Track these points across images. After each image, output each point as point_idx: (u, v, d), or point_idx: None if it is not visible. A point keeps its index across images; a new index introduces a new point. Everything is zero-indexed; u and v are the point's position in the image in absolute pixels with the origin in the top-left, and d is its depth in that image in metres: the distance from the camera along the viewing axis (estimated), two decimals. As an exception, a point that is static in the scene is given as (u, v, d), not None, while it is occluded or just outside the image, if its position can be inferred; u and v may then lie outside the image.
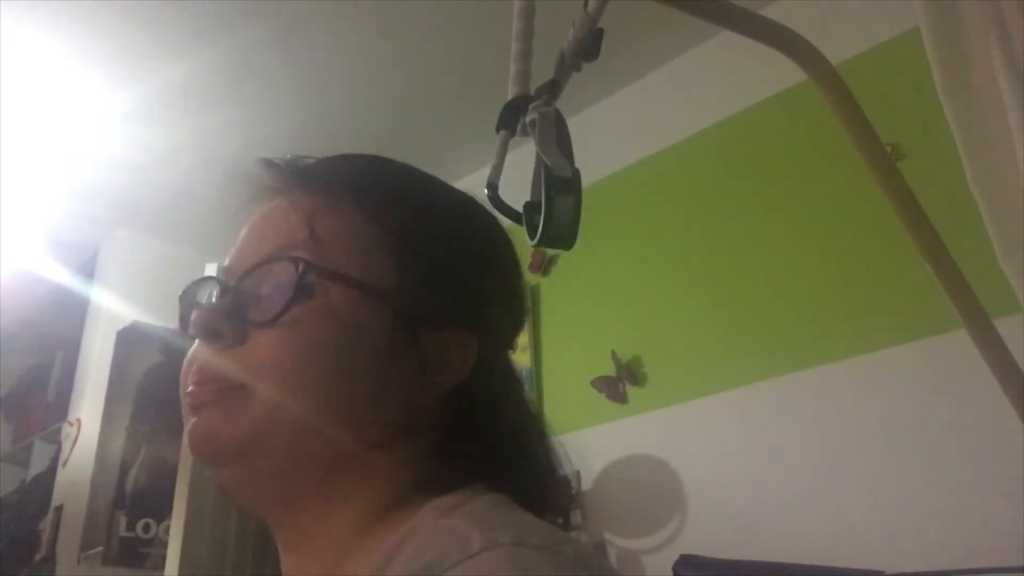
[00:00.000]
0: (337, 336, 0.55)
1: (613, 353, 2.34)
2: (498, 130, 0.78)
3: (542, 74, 0.80)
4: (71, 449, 3.06)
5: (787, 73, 1.42)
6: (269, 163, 0.62)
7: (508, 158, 0.78)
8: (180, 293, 0.62)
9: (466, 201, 0.66)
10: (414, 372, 0.57)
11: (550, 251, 2.60)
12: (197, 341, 0.58)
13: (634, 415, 2.29)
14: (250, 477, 0.56)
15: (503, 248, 0.65)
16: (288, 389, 0.53)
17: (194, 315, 0.57)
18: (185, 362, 0.58)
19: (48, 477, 3.21)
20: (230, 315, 0.56)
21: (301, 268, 0.55)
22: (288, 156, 0.63)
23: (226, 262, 0.61)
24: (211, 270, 0.66)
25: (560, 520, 0.62)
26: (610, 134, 2.59)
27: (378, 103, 2.68)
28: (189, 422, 0.56)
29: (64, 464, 3.09)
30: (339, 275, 0.56)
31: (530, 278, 2.69)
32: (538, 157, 0.74)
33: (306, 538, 0.56)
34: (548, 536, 0.47)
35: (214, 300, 0.59)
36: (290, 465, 0.55)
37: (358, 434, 0.55)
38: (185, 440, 0.56)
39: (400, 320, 0.57)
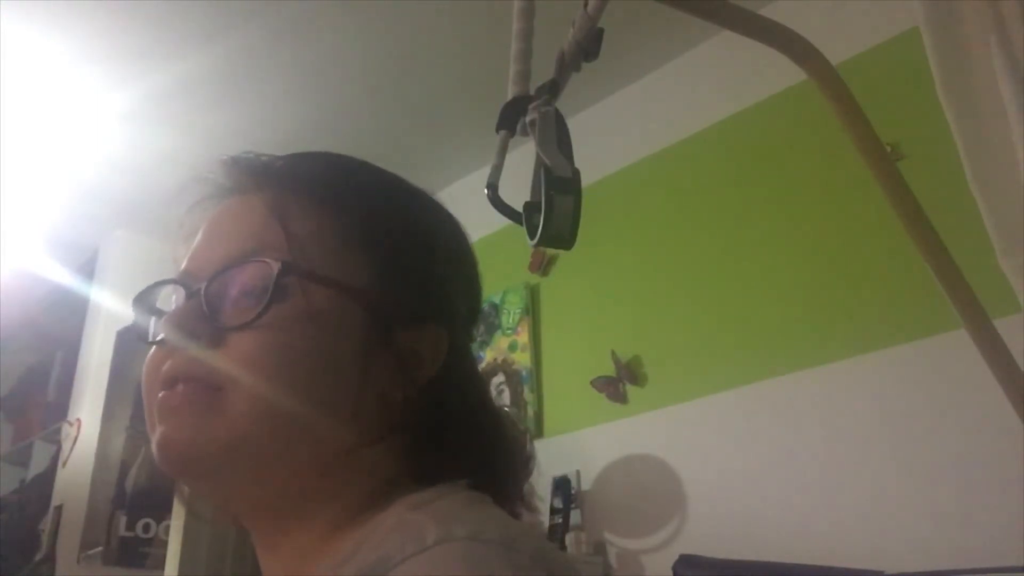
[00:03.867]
0: (316, 336, 0.54)
1: (613, 353, 2.34)
2: (498, 130, 0.78)
3: (542, 74, 0.80)
4: (71, 449, 3.06)
5: (787, 73, 1.42)
6: (235, 161, 0.61)
7: (508, 158, 0.78)
8: (133, 299, 0.60)
9: (426, 197, 0.65)
10: (391, 369, 0.57)
11: (550, 251, 2.60)
12: (154, 349, 0.56)
13: (634, 415, 2.29)
14: (227, 486, 0.55)
15: (464, 243, 0.66)
16: (269, 390, 0.52)
17: (165, 317, 0.55)
18: (147, 368, 0.56)
19: (48, 477, 3.21)
20: (204, 317, 0.54)
21: (279, 269, 0.53)
22: (248, 154, 0.61)
23: (184, 264, 0.59)
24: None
25: (526, 503, 0.62)
26: (610, 134, 2.59)
27: (378, 103, 2.68)
28: (156, 431, 0.53)
29: (64, 464, 3.09)
30: (317, 275, 0.55)
31: (530, 278, 2.69)
32: (538, 157, 0.74)
33: (285, 538, 0.56)
34: (506, 532, 0.46)
35: (181, 303, 0.57)
36: (270, 470, 0.54)
37: (340, 434, 0.55)
38: (155, 450, 0.53)
39: (376, 319, 0.57)
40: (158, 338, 0.56)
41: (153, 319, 0.59)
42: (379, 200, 0.62)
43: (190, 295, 0.56)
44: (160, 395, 0.54)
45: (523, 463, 0.63)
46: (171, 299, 0.59)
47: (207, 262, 0.57)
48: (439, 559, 0.43)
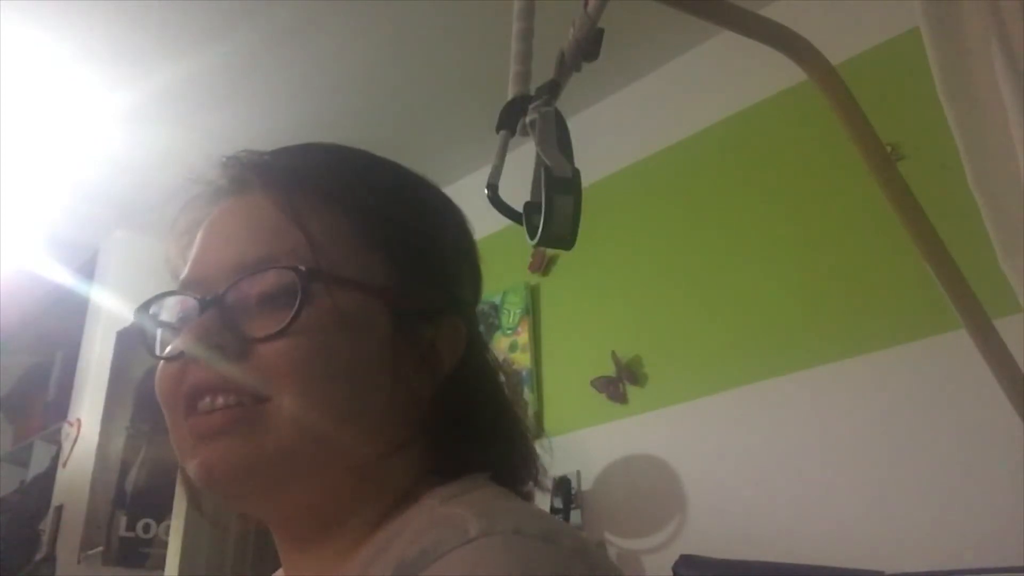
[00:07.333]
0: (347, 339, 0.54)
1: (613, 353, 2.34)
2: (498, 130, 0.78)
3: (542, 74, 0.80)
4: (71, 449, 3.06)
5: (787, 73, 1.42)
6: (235, 160, 0.59)
7: (508, 158, 0.78)
8: (135, 310, 0.58)
9: (429, 185, 0.65)
10: (416, 364, 0.57)
11: (550, 251, 2.60)
12: (168, 364, 0.54)
13: (634, 415, 2.28)
14: (273, 498, 0.54)
15: (467, 230, 0.66)
16: (311, 397, 0.52)
17: (184, 331, 0.53)
18: (165, 385, 0.54)
19: (48, 477, 3.21)
20: (226, 328, 0.52)
21: (304, 275, 0.52)
22: (247, 152, 0.59)
23: (187, 271, 0.57)
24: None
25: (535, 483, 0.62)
26: (610, 134, 2.59)
27: (378, 103, 2.68)
28: (196, 455, 0.52)
29: (64, 464, 3.09)
30: (342, 279, 0.54)
31: (530, 278, 2.69)
32: (538, 157, 0.74)
33: (323, 541, 0.56)
34: (548, 527, 0.47)
35: (195, 315, 0.54)
36: (318, 476, 0.53)
37: (379, 433, 0.55)
38: (196, 472, 0.52)
39: (399, 316, 0.56)
40: (175, 352, 0.54)
41: (160, 331, 0.58)
42: (388, 193, 0.60)
43: (204, 305, 0.54)
44: (191, 420, 0.53)
45: (534, 455, 0.62)
46: (176, 309, 0.57)
47: (217, 269, 0.55)
48: (484, 551, 0.44)
